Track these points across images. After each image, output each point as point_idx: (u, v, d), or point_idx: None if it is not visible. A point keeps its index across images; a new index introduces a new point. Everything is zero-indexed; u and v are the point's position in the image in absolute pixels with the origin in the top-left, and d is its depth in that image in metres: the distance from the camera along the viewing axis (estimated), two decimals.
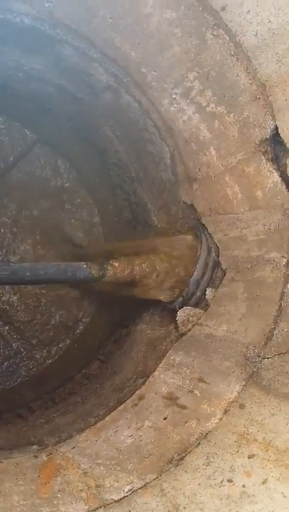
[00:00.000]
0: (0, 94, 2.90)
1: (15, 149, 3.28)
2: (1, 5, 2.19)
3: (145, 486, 1.54)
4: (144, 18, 1.90)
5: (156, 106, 2.20)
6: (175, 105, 2.11)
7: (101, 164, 2.99)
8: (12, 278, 2.20)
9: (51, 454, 1.85)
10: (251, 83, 1.78)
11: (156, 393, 2.01)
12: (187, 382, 1.95)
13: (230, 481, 1.41)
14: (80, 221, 3.41)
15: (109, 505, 1.50)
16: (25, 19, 2.20)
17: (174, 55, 1.94)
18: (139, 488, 1.54)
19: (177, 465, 1.58)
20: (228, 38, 1.75)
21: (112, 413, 2.02)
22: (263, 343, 1.80)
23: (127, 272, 2.35)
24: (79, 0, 2.01)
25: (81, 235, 3.40)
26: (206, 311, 2.20)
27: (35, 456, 1.84)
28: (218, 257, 2.23)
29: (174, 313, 2.33)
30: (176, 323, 2.28)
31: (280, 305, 1.81)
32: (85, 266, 2.30)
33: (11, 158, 3.29)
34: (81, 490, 1.59)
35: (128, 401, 2.06)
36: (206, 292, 2.24)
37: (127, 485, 1.56)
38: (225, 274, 2.17)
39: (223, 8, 1.69)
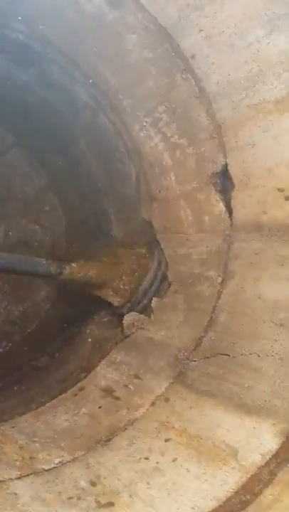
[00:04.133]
0: None
1: None
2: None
3: (73, 460, 1.75)
4: (126, 53, 2.16)
5: (128, 129, 2.45)
6: (144, 131, 2.36)
7: (72, 174, 3.20)
8: None
9: None
10: (209, 123, 2.05)
11: (95, 386, 2.22)
12: (124, 377, 2.17)
13: (146, 458, 1.64)
14: (44, 225, 3.59)
15: (39, 473, 1.70)
16: (20, 36, 2.43)
17: (148, 88, 2.20)
18: (67, 462, 1.75)
19: (104, 445, 1.80)
20: (194, 82, 2.02)
21: (53, 400, 2.22)
22: (193, 348, 2.05)
23: (82, 273, 2.56)
24: (69, 27, 2.25)
25: (43, 238, 3.58)
26: (149, 317, 2.43)
27: None
28: (166, 270, 2.48)
29: (121, 317, 2.55)
30: (122, 326, 2.51)
31: (212, 317, 2.07)
32: (44, 262, 2.51)
33: None
34: (16, 460, 1.79)
35: (69, 391, 2.27)
36: (152, 301, 2.47)
37: (58, 458, 1.76)
38: (170, 286, 2.41)
39: (193, 57, 1.96)
